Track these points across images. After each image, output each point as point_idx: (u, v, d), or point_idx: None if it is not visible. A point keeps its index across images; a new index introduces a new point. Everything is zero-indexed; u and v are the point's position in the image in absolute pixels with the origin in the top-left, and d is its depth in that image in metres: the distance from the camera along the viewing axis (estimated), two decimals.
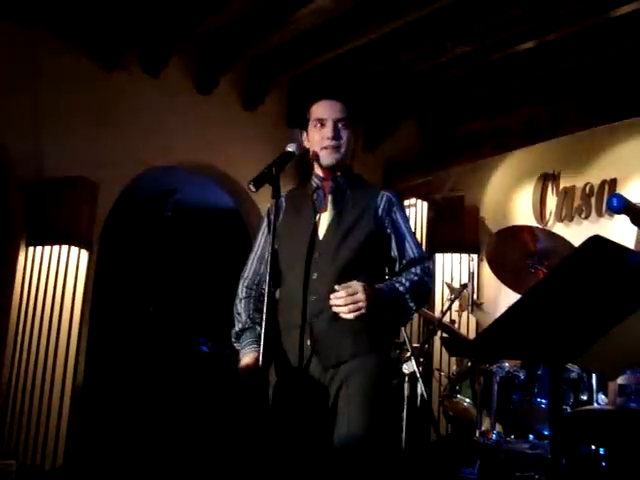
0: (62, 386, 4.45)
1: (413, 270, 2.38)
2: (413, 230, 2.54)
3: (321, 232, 2.44)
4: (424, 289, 2.38)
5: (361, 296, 2.20)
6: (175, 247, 8.12)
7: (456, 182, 6.58)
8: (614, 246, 1.47)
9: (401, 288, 2.31)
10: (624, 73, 5.41)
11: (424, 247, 6.36)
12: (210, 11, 5.07)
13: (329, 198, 2.50)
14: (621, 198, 1.67)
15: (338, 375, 2.29)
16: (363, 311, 2.20)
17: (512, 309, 1.53)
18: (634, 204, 1.72)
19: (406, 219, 2.50)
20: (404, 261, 2.42)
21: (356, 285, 2.23)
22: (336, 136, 2.46)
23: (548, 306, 1.57)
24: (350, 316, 2.21)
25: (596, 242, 1.42)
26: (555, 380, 1.77)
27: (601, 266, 1.50)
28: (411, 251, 2.43)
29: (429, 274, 2.40)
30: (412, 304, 2.33)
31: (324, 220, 2.47)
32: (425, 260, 2.42)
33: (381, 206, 2.46)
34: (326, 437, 2.24)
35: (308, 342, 2.31)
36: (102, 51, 5.13)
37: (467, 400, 4.06)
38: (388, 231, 2.45)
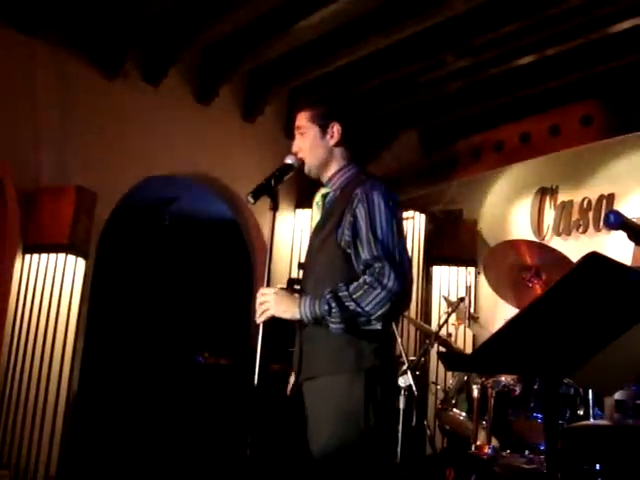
0: (56, 395, 4.43)
1: (368, 272, 2.19)
2: (390, 232, 2.24)
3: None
4: (372, 294, 2.14)
5: (267, 299, 2.25)
6: (173, 257, 8.12)
7: (455, 195, 6.59)
8: (611, 263, 1.47)
9: (328, 296, 2.17)
10: (623, 88, 5.43)
11: (421, 260, 6.37)
12: (210, 22, 5.10)
13: (317, 207, 2.50)
14: (618, 215, 1.67)
15: (311, 390, 2.30)
16: (268, 314, 2.24)
17: (510, 324, 1.53)
18: (631, 220, 1.72)
19: (370, 215, 2.23)
20: (360, 265, 2.23)
21: (267, 290, 2.27)
22: (296, 148, 2.46)
23: (546, 322, 1.56)
24: (257, 320, 2.25)
25: (594, 259, 1.42)
26: (551, 395, 1.76)
27: (598, 283, 1.50)
28: (366, 252, 2.21)
29: (382, 274, 2.14)
30: (338, 312, 2.15)
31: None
32: (378, 260, 2.17)
33: (352, 207, 2.27)
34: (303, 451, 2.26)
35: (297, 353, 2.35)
36: (102, 60, 5.15)
37: (463, 414, 4.04)
38: (350, 237, 2.25)
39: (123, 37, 5.12)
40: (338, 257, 2.28)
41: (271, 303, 2.24)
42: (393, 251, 2.21)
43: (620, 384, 2.54)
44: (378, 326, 2.20)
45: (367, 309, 2.15)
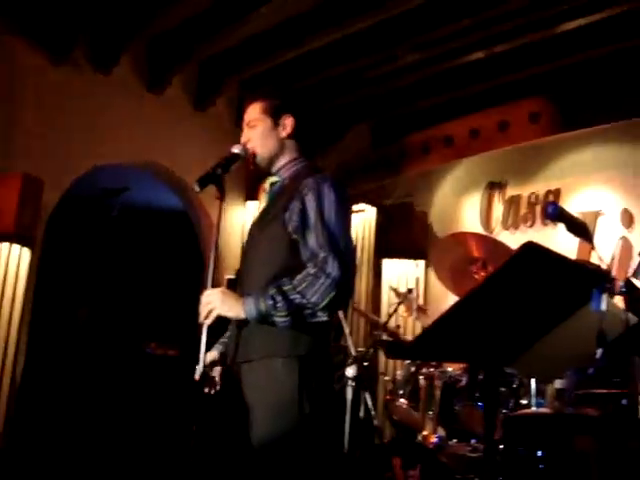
0: None
1: (312, 263, 2.20)
2: (337, 222, 2.26)
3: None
4: (316, 284, 2.15)
5: (212, 299, 2.24)
6: (122, 247, 8.01)
7: (406, 189, 6.64)
8: (547, 253, 1.50)
9: (272, 291, 2.17)
10: (569, 87, 5.54)
11: (371, 253, 6.41)
12: (162, 10, 5.04)
13: (264, 195, 2.52)
14: (556, 206, 1.71)
15: (247, 375, 2.30)
16: (213, 314, 2.23)
17: (449, 313, 1.55)
18: (568, 213, 1.77)
19: (319, 204, 2.25)
20: (307, 252, 2.23)
21: (212, 291, 2.27)
22: (245, 138, 2.47)
23: (484, 310, 1.59)
24: (202, 321, 2.24)
25: (530, 249, 1.45)
26: (491, 383, 1.80)
27: (535, 272, 1.53)
28: (313, 240, 2.22)
29: (326, 263, 2.16)
30: (284, 306, 2.15)
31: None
32: (323, 250, 2.18)
33: (301, 195, 2.28)
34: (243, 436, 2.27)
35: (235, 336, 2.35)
36: (50, 46, 5.04)
37: (410, 404, 4.09)
38: (298, 222, 2.26)
39: (72, 23, 5.03)
40: (283, 242, 2.29)
41: (216, 303, 2.24)
42: (339, 241, 2.23)
43: (559, 372, 2.61)
44: (324, 317, 2.21)
45: (313, 300, 2.16)
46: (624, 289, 1.68)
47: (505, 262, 1.49)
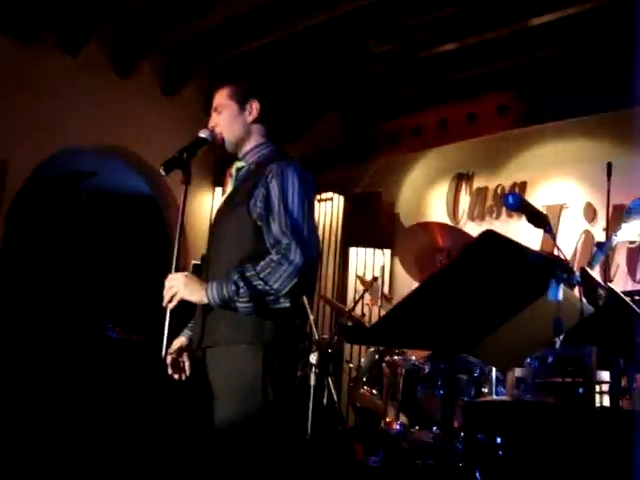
0: None
1: (275, 250, 2.22)
2: (301, 209, 2.27)
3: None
4: (279, 271, 2.17)
5: (175, 284, 2.25)
6: (89, 231, 7.94)
7: (374, 178, 6.67)
8: (506, 241, 1.53)
9: (235, 277, 2.18)
10: (538, 80, 5.61)
11: (338, 241, 6.45)
12: None
13: (230, 181, 2.53)
14: (516, 196, 1.75)
15: (211, 360, 2.32)
16: (176, 298, 2.24)
17: (407, 299, 1.57)
18: (529, 203, 1.80)
19: (283, 190, 2.26)
20: (270, 239, 2.25)
21: (175, 275, 2.28)
22: (213, 123, 2.48)
23: (442, 297, 1.62)
24: (165, 305, 2.25)
25: (488, 237, 1.48)
26: (450, 370, 1.83)
27: (493, 260, 1.56)
28: (276, 227, 2.24)
29: (289, 249, 2.18)
30: (246, 291, 2.17)
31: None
32: (286, 236, 2.20)
33: (265, 181, 2.29)
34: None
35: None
36: (17, 24, 4.96)
37: (374, 391, 4.13)
38: (262, 209, 2.27)
39: (40, 5, 4.95)
40: (248, 228, 2.30)
41: (179, 287, 2.24)
42: (302, 227, 2.25)
43: (518, 360, 2.66)
44: (287, 304, 2.23)
45: (275, 286, 2.18)
46: (579, 279, 1.72)
47: (464, 249, 1.51)
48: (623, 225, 3.08)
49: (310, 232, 2.27)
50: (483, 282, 1.65)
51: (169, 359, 2.41)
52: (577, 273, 1.76)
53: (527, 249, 1.65)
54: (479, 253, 1.53)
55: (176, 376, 2.43)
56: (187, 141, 2.44)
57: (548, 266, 1.74)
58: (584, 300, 1.88)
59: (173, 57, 5.94)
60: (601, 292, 2.12)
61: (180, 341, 2.45)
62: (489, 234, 1.50)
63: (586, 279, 1.82)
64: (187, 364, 2.44)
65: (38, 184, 5.41)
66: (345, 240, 6.49)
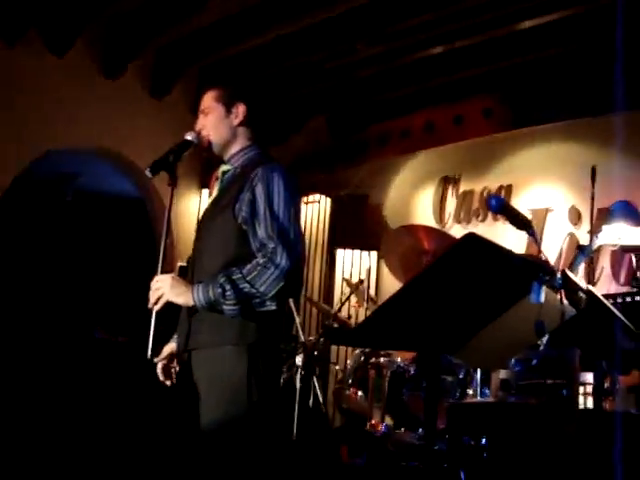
0: None
1: (261, 253, 2.23)
2: (287, 213, 2.28)
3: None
4: (265, 274, 2.18)
5: (161, 285, 2.26)
6: (75, 233, 7.91)
7: (361, 180, 6.69)
8: (487, 244, 1.55)
9: (221, 280, 2.19)
10: (525, 84, 5.64)
11: (325, 243, 6.46)
12: None
13: (216, 184, 2.53)
14: (498, 199, 1.77)
15: (197, 362, 2.33)
16: (163, 300, 2.24)
17: (390, 301, 1.59)
18: (510, 205, 1.82)
19: (269, 195, 2.28)
20: (256, 243, 2.27)
21: (161, 277, 2.29)
22: (199, 126, 2.49)
23: (425, 299, 1.64)
24: (151, 307, 2.26)
25: (469, 240, 1.49)
26: (432, 371, 1.84)
27: (475, 262, 1.58)
28: (262, 231, 2.25)
29: (275, 253, 2.19)
30: (233, 294, 2.18)
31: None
32: (272, 240, 2.22)
33: (251, 185, 2.30)
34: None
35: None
36: (3, 24, 4.93)
37: (359, 393, 4.15)
38: (247, 214, 2.28)
39: (27, 4, 4.93)
40: (233, 232, 2.31)
41: (165, 289, 2.25)
42: (288, 231, 2.26)
43: (502, 362, 2.68)
44: (272, 307, 2.24)
45: (261, 289, 2.19)
46: (560, 281, 1.74)
47: (445, 251, 1.53)
48: (604, 227, 3.11)
49: (296, 236, 2.29)
50: (465, 284, 1.66)
51: (160, 366, 2.42)
52: (558, 275, 1.78)
53: (508, 252, 1.67)
54: (460, 255, 1.55)
55: (168, 383, 2.44)
56: (174, 143, 2.45)
57: (530, 268, 1.76)
58: (566, 302, 1.91)
59: (161, 59, 5.93)
60: (581, 295, 2.14)
61: (170, 347, 2.45)
62: (470, 237, 1.51)
63: (567, 281, 1.84)
64: (177, 369, 2.45)
65: (24, 185, 5.38)
66: (332, 242, 6.50)
